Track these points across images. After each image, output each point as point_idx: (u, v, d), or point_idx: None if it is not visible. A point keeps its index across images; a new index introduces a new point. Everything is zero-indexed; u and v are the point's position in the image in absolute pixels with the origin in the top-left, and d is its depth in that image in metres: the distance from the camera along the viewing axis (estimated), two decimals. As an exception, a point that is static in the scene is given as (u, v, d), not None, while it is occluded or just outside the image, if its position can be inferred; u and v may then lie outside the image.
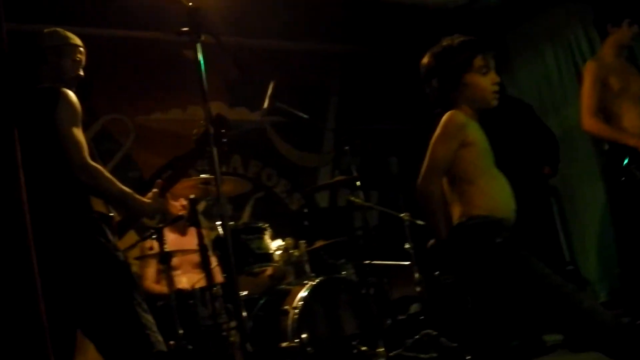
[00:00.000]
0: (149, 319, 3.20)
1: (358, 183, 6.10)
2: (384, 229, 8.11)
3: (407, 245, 5.95)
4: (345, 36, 8.31)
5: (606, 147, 5.21)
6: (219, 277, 5.47)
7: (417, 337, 5.63)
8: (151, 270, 5.78)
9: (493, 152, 3.10)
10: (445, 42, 3.18)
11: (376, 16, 7.71)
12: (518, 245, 2.83)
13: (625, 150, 4.99)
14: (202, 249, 4.74)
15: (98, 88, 6.74)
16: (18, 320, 1.91)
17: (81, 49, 3.63)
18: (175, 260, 5.32)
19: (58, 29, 3.61)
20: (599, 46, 6.02)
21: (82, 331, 3.21)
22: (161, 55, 7.29)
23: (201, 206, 6.52)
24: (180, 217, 5.31)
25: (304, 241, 5.69)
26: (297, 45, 8.22)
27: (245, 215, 7.61)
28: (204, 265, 4.69)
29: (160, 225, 5.06)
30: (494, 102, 3.13)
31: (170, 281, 4.91)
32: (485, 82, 3.11)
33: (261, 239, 5.34)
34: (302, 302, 5.10)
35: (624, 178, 4.97)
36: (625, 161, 4.90)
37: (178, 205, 5.71)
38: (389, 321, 5.86)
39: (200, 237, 4.74)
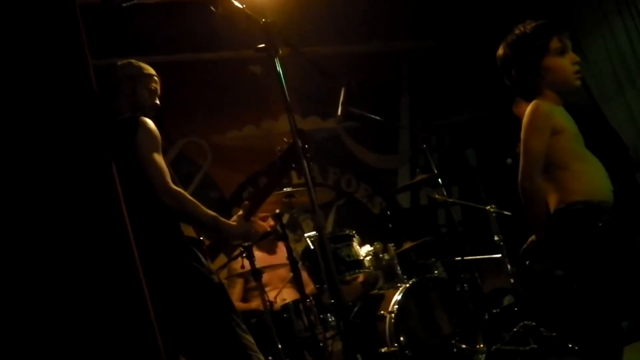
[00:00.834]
0: (249, 339, 3.20)
1: (440, 180, 6.04)
2: (469, 223, 8.03)
3: (496, 238, 5.85)
4: (410, 33, 8.26)
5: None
6: (309, 289, 5.48)
7: (515, 329, 5.54)
8: (237, 290, 5.82)
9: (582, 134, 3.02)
10: (517, 30, 3.12)
11: (440, 8, 7.63)
12: (620, 227, 2.75)
13: None
14: (292, 262, 4.76)
15: (171, 113, 6.82)
16: (137, 351, 1.94)
17: (155, 78, 3.68)
18: (265, 277, 5.34)
19: (132, 61, 3.67)
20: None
21: (184, 356, 3.23)
22: (227, 74, 7.35)
23: (284, 219, 6.55)
24: (269, 234, 5.33)
25: (392, 244, 5.63)
26: (364, 48, 8.18)
27: (330, 224, 7.60)
28: (296, 278, 4.70)
29: (249, 243, 5.08)
30: (577, 82, 3.06)
31: (263, 297, 4.92)
32: (565, 63, 3.04)
33: (350, 246, 5.33)
34: (397, 306, 5.07)
35: None
36: None
37: (266, 225, 5.74)
38: (485, 316, 5.77)
39: (289, 250, 4.76)
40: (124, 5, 3.71)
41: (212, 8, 2.95)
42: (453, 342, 5.17)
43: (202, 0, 3.00)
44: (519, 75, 3.06)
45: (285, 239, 4.83)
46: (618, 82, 7.62)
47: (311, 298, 5.19)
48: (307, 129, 7.38)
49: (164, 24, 6.36)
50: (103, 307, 1.93)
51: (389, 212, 7.81)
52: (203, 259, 3.25)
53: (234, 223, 3.38)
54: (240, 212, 3.45)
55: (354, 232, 5.50)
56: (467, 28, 7.98)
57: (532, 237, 3.03)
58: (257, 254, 5.63)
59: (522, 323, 5.53)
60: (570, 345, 5.14)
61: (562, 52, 3.05)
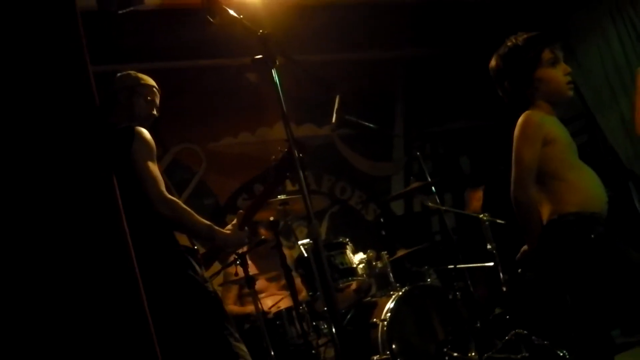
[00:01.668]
0: (241, 347, 3.22)
1: (433, 188, 6.06)
2: (463, 231, 8.05)
3: (489, 246, 5.87)
4: (405, 41, 8.27)
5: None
6: (301, 295, 5.49)
7: (507, 337, 5.55)
8: (232, 295, 5.85)
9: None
10: (509, 42, 3.14)
11: (435, 17, 7.66)
12: (613, 238, 2.77)
13: None
14: (286, 269, 4.78)
15: (165, 120, 6.82)
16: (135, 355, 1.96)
17: (155, 89, 3.72)
18: (259, 284, 5.35)
19: (131, 72, 3.71)
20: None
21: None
22: (225, 81, 7.37)
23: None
24: (262, 242, 5.35)
25: (385, 252, 5.65)
26: (359, 56, 8.21)
27: (323, 231, 7.62)
28: (289, 285, 4.72)
29: (244, 250, 5.10)
30: (570, 93, 3.09)
31: (256, 303, 4.93)
32: (558, 74, 3.07)
33: (343, 253, 5.35)
34: (390, 314, 5.09)
35: None
36: None
37: (264, 232, 5.76)
38: (478, 324, 5.79)
39: (283, 258, 4.78)
40: (121, 12, 3.73)
41: (210, 18, 2.96)
42: (445, 349, 5.18)
43: (199, 10, 3.01)
44: (512, 86, 3.08)
45: (279, 247, 4.85)
46: (612, 91, 7.66)
47: (304, 305, 5.20)
48: (302, 136, 7.42)
49: (160, 30, 6.37)
50: (102, 314, 1.95)
51: (382, 220, 7.82)
52: (197, 268, 3.27)
53: (229, 232, 3.41)
54: (235, 221, 3.48)
55: (347, 239, 5.52)
56: (462, 37, 8.01)
57: (525, 247, 3.05)
58: (253, 260, 5.68)
59: (514, 331, 5.55)
60: (561, 354, 5.16)
61: (554, 63, 3.08)
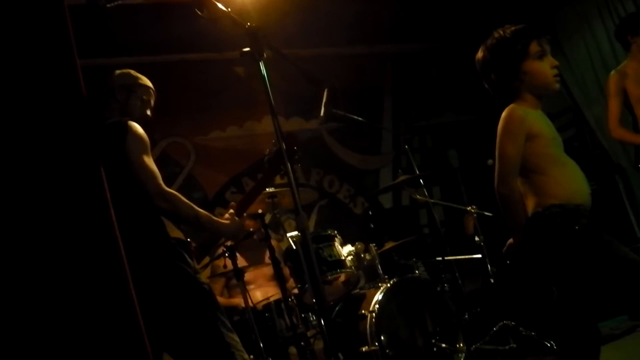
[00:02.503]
0: (234, 337, 3.24)
1: (421, 181, 6.09)
2: (451, 224, 8.08)
3: (477, 239, 5.91)
4: (394, 36, 8.30)
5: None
6: (289, 284, 5.51)
7: (495, 329, 5.60)
8: (218, 286, 5.85)
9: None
10: (497, 34, 3.13)
11: (424, 12, 7.68)
12: (598, 230, 2.79)
13: None
14: (275, 262, 4.79)
15: (154, 113, 6.82)
16: (124, 349, 1.96)
17: (151, 90, 3.75)
18: (248, 276, 5.36)
19: (131, 71, 3.73)
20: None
21: (171, 355, 3.25)
22: (213, 75, 7.38)
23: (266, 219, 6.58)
24: (251, 234, 5.37)
25: (374, 244, 5.67)
26: (348, 50, 8.23)
27: (312, 224, 7.64)
28: (278, 278, 4.73)
29: (232, 243, 5.11)
30: (556, 86, 3.08)
31: (245, 296, 4.94)
32: (544, 67, 3.06)
33: (332, 246, 5.36)
34: (378, 306, 5.11)
35: None
36: None
37: (252, 224, 5.77)
38: (466, 316, 5.82)
39: (271, 250, 4.79)
40: (109, 5, 3.73)
41: (198, 11, 2.97)
42: (433, 341, 5.21)
43: (188, 3, 3.01)
44: (498, 79, 3.08)
45: (267, 239, 4.87)
46: (599, 85, 7.69)
47: (293, 298, 5.22)
48: (290, 130, 7.43)
49: (148, 24, 6.36)
50: (90, 308, 1.95)
51: (370, 213, 7.84)
52: (189, 260, 3.28)
53: (227, 221, 3.44)
54: (232, 211, 3.50)
55: (335, 232, 5.54)
56: (450, 32, 8.04)
57: (511, 240, 3.06)
58: (242, 252, 5.69)
59: (501, 323, 5.59)
60: (548, 345, 5.21)
61: (541, 56, 3.07)
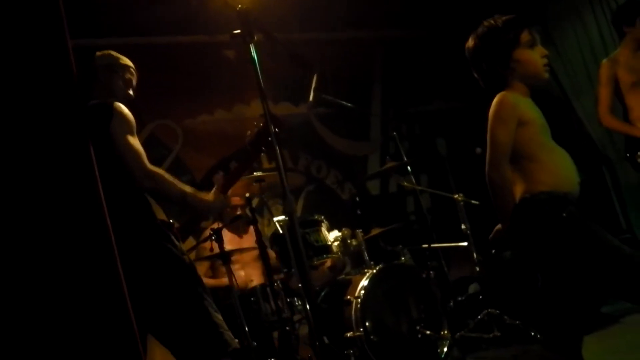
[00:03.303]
0: (219, 317, 3.26)
1: (409, 168, 6.09)
2: (438, 212, 8.10)
3: (463, 226, 5.93)
4: (384, 22, 8.29)
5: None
6: (273, 261, 5.51)
7: (479, 317, 5.62)
8: (203, 268, 5.85)
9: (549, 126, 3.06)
10: (487, 23, 3.14)
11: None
12: (585, 218, 2.80)
13: (636, 141, 5.44)
14: (261, 246, 4.80)
15: (142, 96, 6.79)
16: (112, 329, 1.96)
17: (132, 70, 3.75)
18: (233, 258, 5.36)
19: (111, 52, 3.74)
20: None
21: (155, 336, 3.26)
22: (202, 58, 7.35)
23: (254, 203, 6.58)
24: (238, 217, 5.36)
25: (360, 230, 5.68)
26: (338, 36, 8.21)
27: (299, 209, 7.64)
28: (264, 262, 4.74)
29: (219, 226, 5.11)
30: (546, 75, 3.09)
31: (231, 279, 4.94)
32: (535, 56, 3.07)
33: (318, 231, 5.36)
34: (363, 291, 5.12)
35: None
36: None
37: (237, 200, 5.76)
38: (450, 303, 5.85)
39: (258, 234, 4.79)
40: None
41: (189, -8, 2.96)
42: (418, 328, 5.23)
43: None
44: (489, 67, 3.08)
45: (254, 223, 4.87)
46: (588, 76, 7.70)
47: (279, 282, 5.23)
48: (279, 114, 7.41)
49: (139, 6, 6.33)
50: (79, 290, 1.95)
51: (358, 199, 7.85)
52: (175, 241, 3.29)
53: (212, 197, 3.45)
54: (216, 187, 3.52)
55: (322, 217, 5.54)
56: (441, 19, 8.03)
57: (498, 226, 3.07)
58: (228, 235, 5.69)
59: (486, 311, 5.62)
60: (533, 333, 5.23)
61: (532, 45, 3.08)
